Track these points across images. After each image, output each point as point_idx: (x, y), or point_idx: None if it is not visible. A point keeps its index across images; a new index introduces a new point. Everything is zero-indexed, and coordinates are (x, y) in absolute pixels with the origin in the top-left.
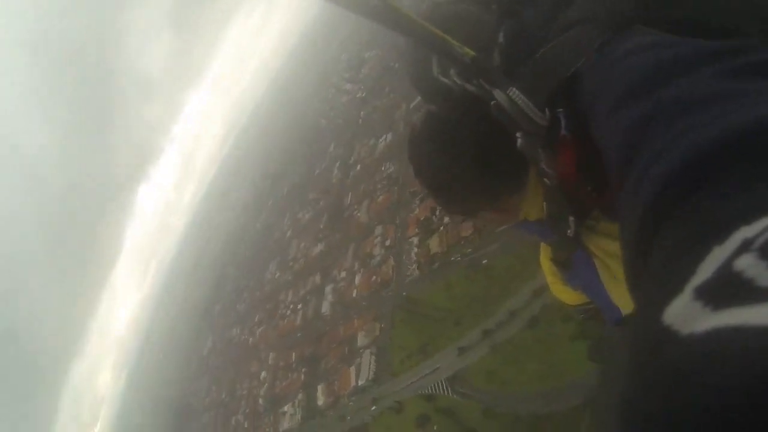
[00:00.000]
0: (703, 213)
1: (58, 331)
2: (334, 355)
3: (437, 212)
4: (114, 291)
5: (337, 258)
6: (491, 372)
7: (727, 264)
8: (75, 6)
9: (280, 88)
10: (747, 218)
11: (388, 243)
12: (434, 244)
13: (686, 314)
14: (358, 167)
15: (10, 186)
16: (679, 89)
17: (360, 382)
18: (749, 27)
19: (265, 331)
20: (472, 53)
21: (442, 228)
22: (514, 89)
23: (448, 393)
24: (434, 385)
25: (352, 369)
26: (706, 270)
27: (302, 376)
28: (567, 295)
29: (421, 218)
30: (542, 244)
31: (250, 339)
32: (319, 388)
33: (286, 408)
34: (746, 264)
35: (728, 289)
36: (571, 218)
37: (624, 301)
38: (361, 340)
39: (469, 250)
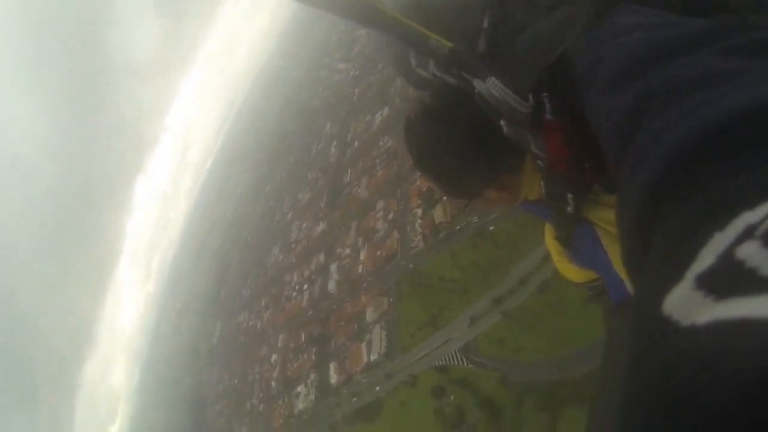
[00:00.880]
0: (704, 196)
1: (66, 332)
2: (344, 332)
3: None
4: (119, 287)
5: (340, 236)
6: (503, 340)
7: (730, 251)
8: None
9: (272, 71)
10: (750, 203)
11: (390, 216)
12: (438, 214)
13: (687, 304)
14: (356, 144)
15: (1, 182)
16: (676, 69)
17: (372, 358)
18: (739, 2)
19: (273, 314)
20: (449, 44)
21: (445, 198)
22: (492, 79)
23: (462, 363)
24: (447, 356)
25: (363, 345)
26: (708, 257)
27: (313, 357)
28: (574, 273)
29: (423, 189)
30: (546, 224)
31: (258, 323)
32: (331, 366)
33: (299, 389)
34: (749, 252)
35: (730, 278)
36: (570, 195)
37: None
38: (370, 315)
39: (475, 217)
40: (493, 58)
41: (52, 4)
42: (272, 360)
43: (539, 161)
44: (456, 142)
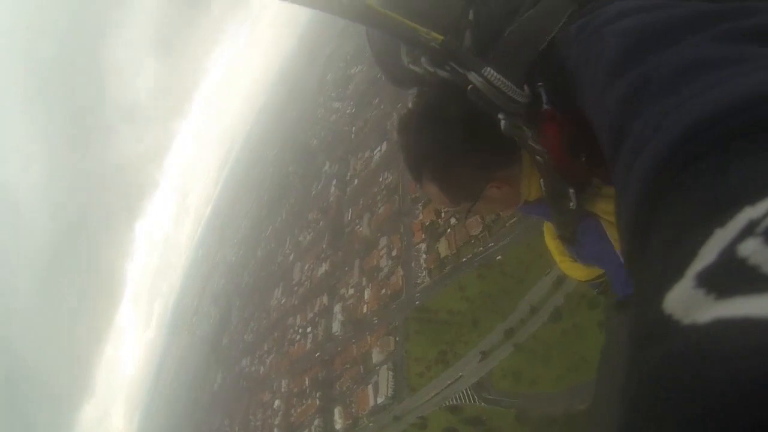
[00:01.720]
0: (703, 191)
1: (65, 376)
2: (349, 375)
3: (442, 214)
4: (119, 331)
5: (343, 276)
6: (518, 373)
7: (731, 248)
8: (54, 36)
9: (269, 112)
10: (751, 198)
11: (394, 253)
12: (443, 247)
13: (688, 303)
14: (356, 182)
15: (2, 229)
16: (676, 55)
17: (379, 401)
18: None
19: (275, 359)
20: (440, 37)
21: (449, 230)
22: (488, 69)
23: (474, 401)
24: (459, 394)
25: (370, 388)
26: (708, 254)
27: (317, 401)
28: (577, 271)
29: (426, 223)
30: (545, 224)
31: (261, 368)
32: (336, 411)
33: None
34: (751, 249)
35: (731, 276)
36: (571, 190)
37: None
38: (376, 356)
39: (480, 248)
40: (483, 50)
41: (53, 48)
42: (275, 405)
43: (538, 156)
44: (451, 138)
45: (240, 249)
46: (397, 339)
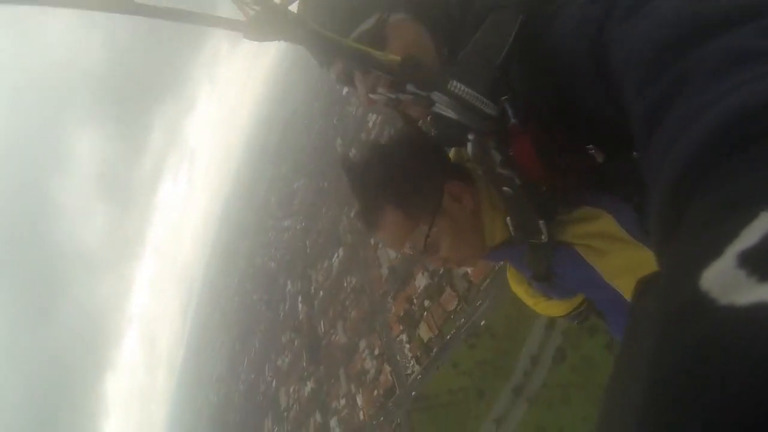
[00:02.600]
0: (750, 174)
1: None
2: None
3: (415, 301)
4: None
5: (331, 388)
6: (541, 428)
7: None
8: None
9: (221, 246)
10: None
11: (377, 352)
12: (424, 332)
13: (727, 282)
14: (321, 293)
15: None
16: (719, 46)
17: None
18: None
19: None
20: (398, 58)
21: (425, 313)
22: (454, 82)
23: None
24: None
25: None
26: (752, 235)
27: None
28: (554, 308)
29: (401, 314)
30: (509, 272)
31: None
32: None
33: None
34: None
35: None
36: (541, 222)
37: (621, 278)
38: None
39: (462, 320)
40: (452, 64)
41: None
42: None
43: (506, 188)
44: (401, 164)
45: (220, 388)
46: None
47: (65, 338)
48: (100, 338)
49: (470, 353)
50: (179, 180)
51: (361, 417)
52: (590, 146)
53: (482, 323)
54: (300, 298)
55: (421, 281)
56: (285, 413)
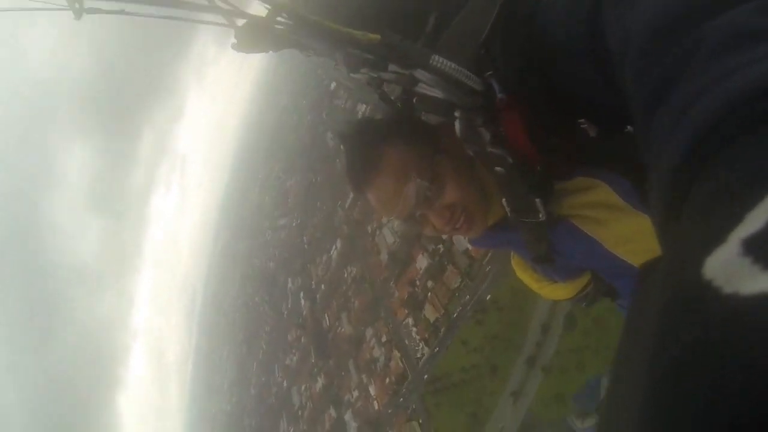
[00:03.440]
0: (754, 156)
1: None
2: None
3: (417, 283)
4: None
5: (342, 381)
6: (559, 395)
7: None
8: None
9: (220, 251)
10: None
11: (384, 339)
12: (429, 312)
13: (731, 270)
14: (322, 287)
15: None
16: (720, 25)
17: None
18: None
19: None
20: (377, 36)
21: (429, 294)
22: (436, 57)
23: None
24: None
25: None
26: (757, 220)
27: None
28: (561, 291)
29: (405, 298)
30: (513, 258)
31: None
32: None
33: None
34: None
35: None
36: (537, 200)
37: (625, 246)
38: None
39: (467, 296)
40: (436, 40)
41: None
42: None
43: (498, 168)
44: (394, 120)
45: (232, 395)
46: (421, 421)
47: (70, 358)
48: (107, 356)
49: (479, 329)
50: (172, 188)
51: (376, 407)
52: (582, 120)
53: (488, 297)
54: (302, 294)
55: (422, 262)
56: (299, 412)
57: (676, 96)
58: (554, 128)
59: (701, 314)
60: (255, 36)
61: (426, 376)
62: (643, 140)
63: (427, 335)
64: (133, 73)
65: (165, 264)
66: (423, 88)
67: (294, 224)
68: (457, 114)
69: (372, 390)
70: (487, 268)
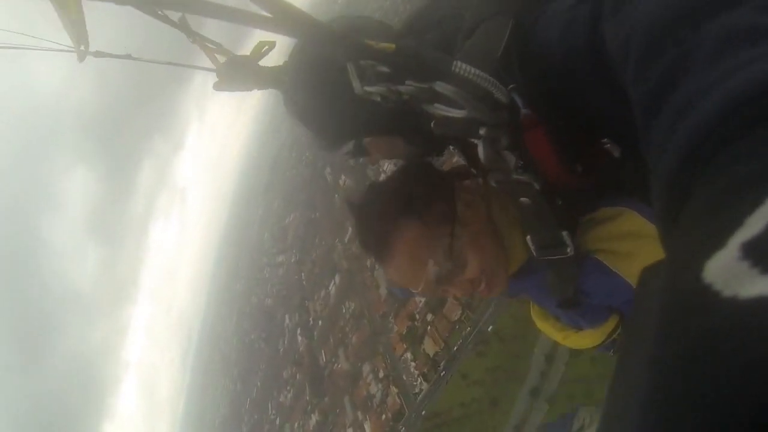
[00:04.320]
0: (754, 158)
1: None
2: None
3: (417, 316)
4: None
5: (337, 418)
6: None
7: None
8: None
9: (217, 288)
10: None
11: (381, 375)
12: (429, 346)
13: (730, 274)
14: (320, 323)
15: None
16: (718, 25)
17: None
18: None
19: None
20: (392, 45)
21: (429, 327)
22: (458, 62)
23: None
24: None
25: None
26: (756, 224)
27: None
28: (587, 339)
29: (403, 332)
30: (532, 308)
31: None
32: None
33: None
34: None
35: None
36: (565, 233)
37: None
38: None
39: (468, 328)
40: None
41: None
42: None
43: (523, 199)
44: (405, 181)
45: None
46: None
47: (60, 385)
48: (97, 384)
49: (479, 361)
50: (170, 221)
51: None
52: (605, 140)
53: (489, 329)
54: (299, 331)
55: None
56: None
57: (675, 97)
58: (579, 147)
59: (701, 319)
60: (236, 73)
61: (424, 412)
62: (644, 144)
63: (425, 369)
64: (136, 103)
65: (161, 297)
66: (441, 110)
67: (292, 260)
68: (482, 132)
69: (367, 427)
70: (489, 299)
